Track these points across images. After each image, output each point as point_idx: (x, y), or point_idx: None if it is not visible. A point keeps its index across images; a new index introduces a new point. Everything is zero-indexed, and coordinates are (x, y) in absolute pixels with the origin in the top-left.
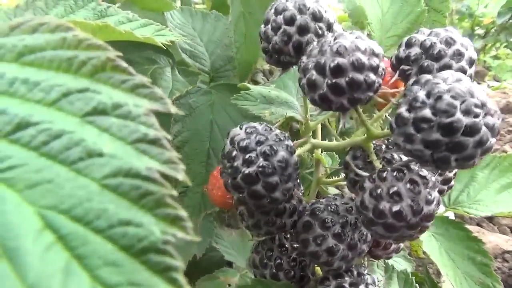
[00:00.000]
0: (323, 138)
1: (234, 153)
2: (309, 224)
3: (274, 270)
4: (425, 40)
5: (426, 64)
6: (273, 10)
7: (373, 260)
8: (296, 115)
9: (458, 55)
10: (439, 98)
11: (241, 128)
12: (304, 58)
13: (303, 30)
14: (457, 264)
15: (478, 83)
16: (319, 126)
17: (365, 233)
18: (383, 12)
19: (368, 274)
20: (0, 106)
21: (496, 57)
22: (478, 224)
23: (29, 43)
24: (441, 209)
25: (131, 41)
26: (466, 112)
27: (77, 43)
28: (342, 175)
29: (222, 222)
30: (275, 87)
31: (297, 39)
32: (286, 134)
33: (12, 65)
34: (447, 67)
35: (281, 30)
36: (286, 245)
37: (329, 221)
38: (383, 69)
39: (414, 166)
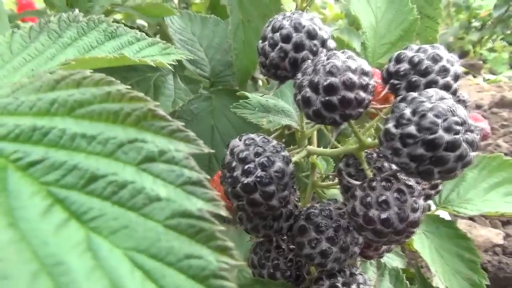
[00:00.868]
0: (318, 139)
1: (234, 163)
2: (304, 228)
3: (271, 270)
4: (413, 56)
5: (414, 79)
6: (270, 28)
7: (365, 260)
8: (292, 124)
9: (444, 71)
10: (423, 116)
11: (240, 140)
12: (299, 75)
13: (298, 47)
14: (446, 261)
15: (474, 76)
16: (315, 132)
17: (356, 236)
18: (377, 20)
19: (360, 274)
20: (72, 161)
21: (492, 50)
22: (470, 218)
23: (78, 98)
24: (432, 208)
25: None
26: (448, 130)
27: (121, 96)
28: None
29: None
30: (272, 95)
31: (293, 56)
32: (283, 145)
33: (66, 119)
34: (433, 82)
35: (278, 47)
36: (283, 247)
37: (323, 225)
38: (372, 86)
39: (401, 176)
